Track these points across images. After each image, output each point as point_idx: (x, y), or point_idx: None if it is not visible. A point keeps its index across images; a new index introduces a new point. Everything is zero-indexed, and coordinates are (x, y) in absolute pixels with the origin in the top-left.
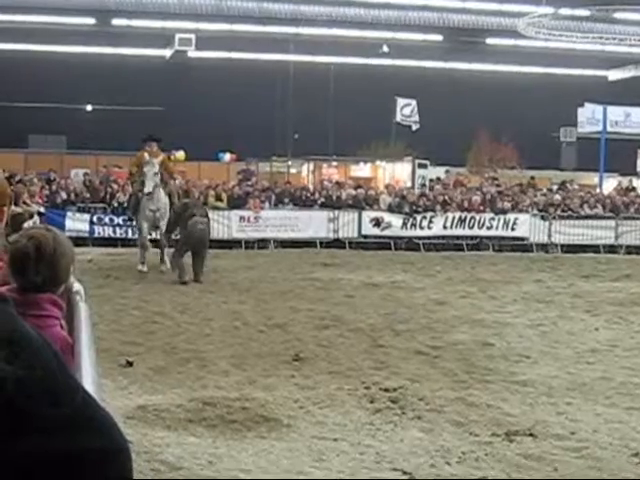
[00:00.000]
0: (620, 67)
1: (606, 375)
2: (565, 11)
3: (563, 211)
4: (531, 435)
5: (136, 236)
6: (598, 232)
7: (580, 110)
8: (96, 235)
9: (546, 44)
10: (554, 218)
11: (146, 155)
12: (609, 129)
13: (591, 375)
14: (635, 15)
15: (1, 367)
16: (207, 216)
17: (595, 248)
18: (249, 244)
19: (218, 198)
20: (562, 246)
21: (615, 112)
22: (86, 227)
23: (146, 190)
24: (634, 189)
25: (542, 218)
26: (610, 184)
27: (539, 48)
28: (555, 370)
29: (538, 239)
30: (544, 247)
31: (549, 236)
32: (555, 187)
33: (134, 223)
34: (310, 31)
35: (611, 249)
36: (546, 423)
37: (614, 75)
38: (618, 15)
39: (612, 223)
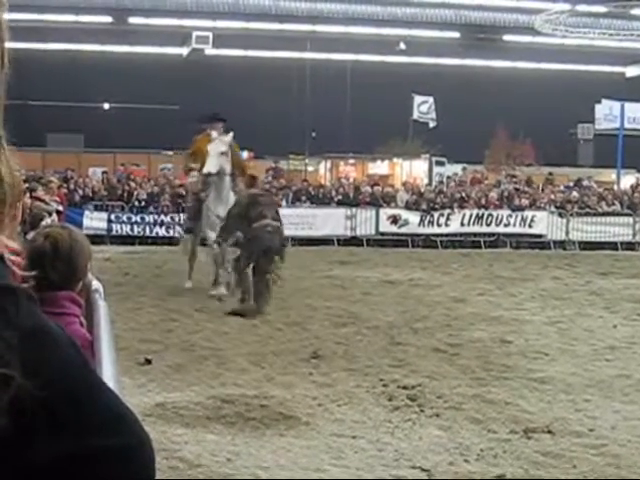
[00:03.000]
0: (638, 63)
1: (624, 372)
2: (582, 7)
3: (580, 208)
4: (549, 432)
5: (154, 234)
6: (616, 229)
7: (597, 107)
8: (114, 233)
9: (563, 41)
10: (572, 215)
11: (214, 133)
12: (627, 125)
13: (609, 372)
14: None
15: (33, 366)
16: (279, 219)
17: (613, 245)
18: None
19: None
20: (580, 243)
21: (633, 108)
22: (104, 225)
23: (206, 170)
24: None
25: (560, 215)
26: (628, 180)
27: (556, 45)
28: (573, 367)
29: (556, 236)
30: (562, 244)
31: (567, 233)
32: (572, 184)
33: (188, 237)
34: (327, 29)
35: (629, 246)
36: (564, 420)
37: (632, 71)
38: (635, 11)
39: (630, 220)
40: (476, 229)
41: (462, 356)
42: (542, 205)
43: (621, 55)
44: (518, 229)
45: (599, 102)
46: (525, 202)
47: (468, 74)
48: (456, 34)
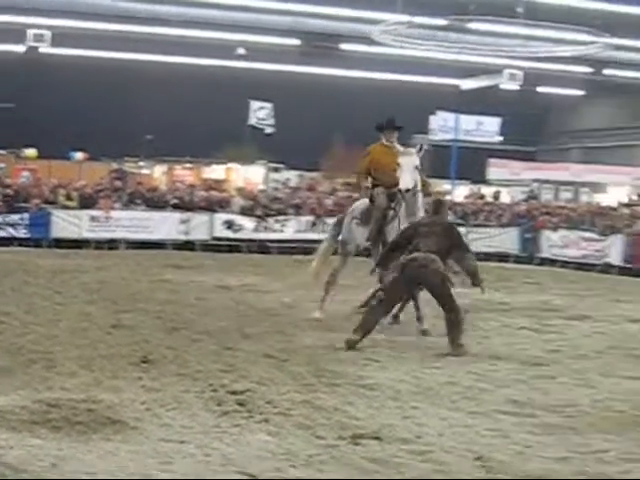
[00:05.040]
0: (472, 76)
1: (452, 379)
2: (420, 19)
3: None
4: (377, 438)
5: None
6: None
7: (432, 118)
8: None
9: (400, 52)
10: None
11: (398, 146)
12: (461, 137)
13: (438, 379)
14: (489, 26)
15: None
16: (441, 249)
17: None
18: (99, 244)
19: (68, 197)
20: None
21: (467, 120)
22: None
23: (403, 185)
24: (483, 197)
25: None
26: (461, 191)
27: (394, 55)
28: (402, 374)
29: None
30: None
31: None
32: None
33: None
34: (165, 31)
35: None
36: (392, 427)
37: (467, 84)
38: (472, 25)
39: (463, 230)
40: (311, 236)
41: (292, 362)
42: None
43: (456, 68)
44: None
45: (434, 113)
46: None
47: (307, 82)
48: (296, 41)
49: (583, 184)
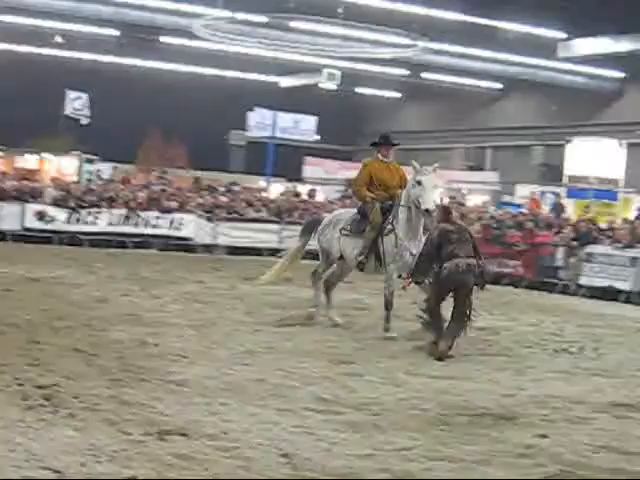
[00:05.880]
0: (291, 74)
1: (261, 377)
2: (241, 15)
3: (229, 213)
4: (183, 435)
5: None
6: (262, 235)
7: (250, 114)
8: None
9: (220, 47)
10: (220, 220)
11: (415, 164)
12: (278, 135)
13: (247, 376)
14: (309, 25)
15: None
16: (477, 254)
17: (259, 251)
18: None
19: None
20: (227, 248)
21: (285, 118)
22: None
23: (428, 206)
24: (299, 195)
25: (208, 219)
26: (277, 189)
27: (214, 50)
28: (212, 370)
29: (203, 240)
30: (209, 248)
31: (214, 237)
32: (222, 189)
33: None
34: None
35: (274, 253)
36: (199, 423)
37: (285, 82)
38: (293, 24)
39: (276, 227)
40: (124, 229)
41: (101, 357)
42: (191, 208)
43: (276, 65)
44: (166, 231)
45: (252, 110)
46: (174, 205)
47: (126, 73)
48: (116, 32)
49: None
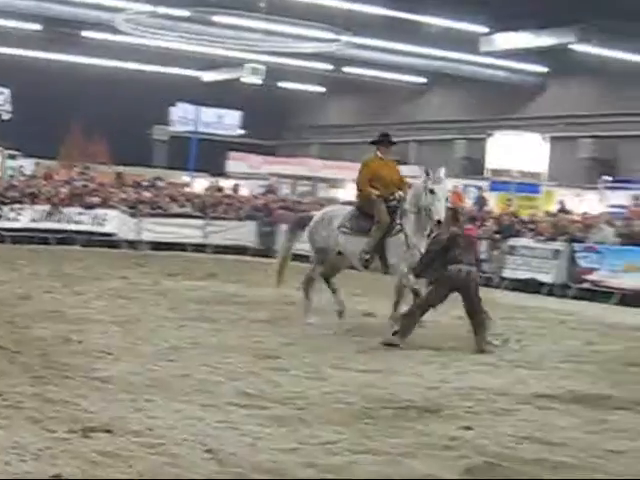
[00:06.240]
0: (214, 69)
1: (186, 372)
2: (163, 9)
3: (152, 209)
4: (108, 432)
5: None
6: (186, 231)
7: (173, 109)
8: None
9: (142, 41)
10: (143, 215)
11: (428, 170)
12: (201, 129)
13: (171, 372)
14: (232, 19)
15: None
16: (477, 260)
17: (183, 246)
18: None
19: None
20: (150, 243)
21: (208, 113)
22: None
23: (439, 217)
24: (222, 189)
25: (131, 215)
26: (200, 184)
27: (136, 45)
28: (136, 367)
29: (127, 235)
30: (132, 244)
31: (138, 233)
32: (145, 184)
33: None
34: None
35: (198, 248)
36: (124, 420)
37: (208, 76)
38: (215, 18)
39: (200, 222)
40: (46, 225)
41: (24, 354)
42: (114, 204)
43: (198, 60)
44: (89, 227)
45: (174, 105)
46: (97, 200)
47: (48, 68)
48: (38, 26)
49: (322, 179)
